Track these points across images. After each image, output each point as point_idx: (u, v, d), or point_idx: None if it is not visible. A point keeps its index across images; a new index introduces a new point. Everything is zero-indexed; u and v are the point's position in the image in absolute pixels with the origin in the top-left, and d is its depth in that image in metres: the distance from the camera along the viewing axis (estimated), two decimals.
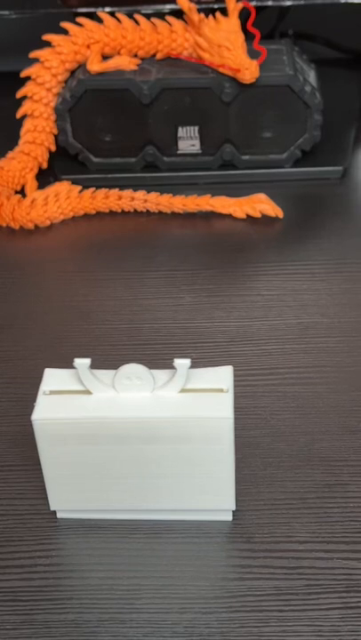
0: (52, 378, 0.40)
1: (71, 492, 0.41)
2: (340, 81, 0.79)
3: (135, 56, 0.69)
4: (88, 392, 0.39)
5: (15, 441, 0.47)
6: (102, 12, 0.69)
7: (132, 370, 0.38)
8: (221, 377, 0.39)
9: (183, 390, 0.38)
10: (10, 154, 0.69)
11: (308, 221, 0.65)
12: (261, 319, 0.55)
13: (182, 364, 0.38)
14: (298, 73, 0.66)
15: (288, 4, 0.75)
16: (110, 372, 0.39)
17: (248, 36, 0.65)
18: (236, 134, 0.68)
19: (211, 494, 0.40)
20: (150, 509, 0.41)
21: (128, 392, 0.38)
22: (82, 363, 0.38)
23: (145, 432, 0.38)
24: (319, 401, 0.49)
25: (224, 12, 0.66)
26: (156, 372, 0.39)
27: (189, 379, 0.39)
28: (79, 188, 0.67)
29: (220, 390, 0.38)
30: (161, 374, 0.39)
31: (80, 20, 0.68)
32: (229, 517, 0.42)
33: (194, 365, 0.39)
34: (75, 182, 0.67)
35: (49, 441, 0.39)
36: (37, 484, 0.43)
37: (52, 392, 0.39)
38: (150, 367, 0.39)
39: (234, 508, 0.41)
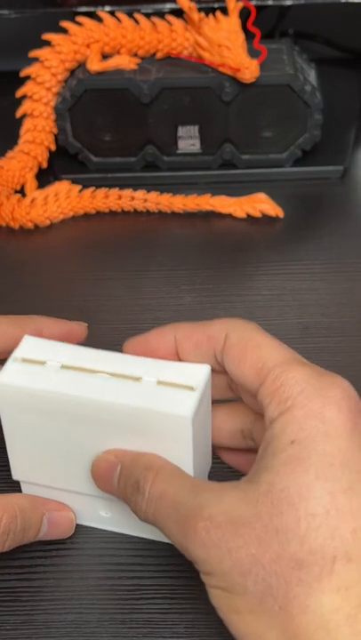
0: (29, 345, 0.39)
1: (32, 465, 0.40)
2: (341, 80, 0.79)
3: (135, 55, 0.69)
4: (59, 366, 0.38)
5: None
6: (102, 12, 0.69)
7: (106, 353, 0.37)
8: (195, 374, 0.37)
9: (149, 380, 0.37)
10: (9, 153, 0.69)
11: (308, 221, 0.65)
12: (261, 319, 0.55)
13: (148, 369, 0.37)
14: (298, 72, 0.66)
15: (288, 3, 0.75)
16: (81, 349, 0.38)
17: (248, 36, 0.65)
18: (236, 134, 0.68)
19: None
20: (105, 498, 0.40)
21: (93, 372, 0.37)
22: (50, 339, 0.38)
23: (97, 416, 0.37)
24: None
25: (224, 11, 0.66)
26: (130, 358, 0.38)
27: (161, 370, 0.37)
28: (79, 187, 0.67)
29: (190, 388, 0.36)
30: (135, 361, 0.38)
31: (80, 19, 0.68)
32: None
33: None
34: (74, 182, 0.67)
35: (9, 408, 0.38)
36: None
37: (23, 360, 0.38)
38: None
39: None
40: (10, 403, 0.38)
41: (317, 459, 0.31)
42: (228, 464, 0.41)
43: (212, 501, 0.32)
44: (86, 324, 0.44)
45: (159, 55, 0.68)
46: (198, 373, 0.37)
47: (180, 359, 0.38)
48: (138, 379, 0.37)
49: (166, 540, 0.40)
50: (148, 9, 0.72)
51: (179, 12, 0.67)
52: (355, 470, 0.31)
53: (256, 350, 0.35)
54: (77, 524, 0.42)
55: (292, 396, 0.32)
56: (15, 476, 0.41)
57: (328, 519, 0.30)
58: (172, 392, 0.36)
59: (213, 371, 0.37)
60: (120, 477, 0.36)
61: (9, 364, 0.38)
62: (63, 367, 0.38)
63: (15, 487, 0.42)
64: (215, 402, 0.39)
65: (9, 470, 0.41)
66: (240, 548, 0.31)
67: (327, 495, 0.30)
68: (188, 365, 0.38)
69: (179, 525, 0.33)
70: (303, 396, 0.32)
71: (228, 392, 0.39)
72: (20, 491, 0.42)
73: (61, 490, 0.41)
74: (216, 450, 0.41)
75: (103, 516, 0.41)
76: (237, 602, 0.31)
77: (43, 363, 0.38)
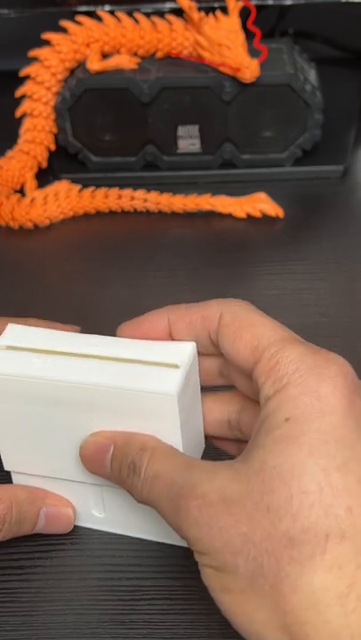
0: (13, 333, 0.39)
1: (23, 454, 0.40)
2: (341, 80, 0.79)
3: (135, 55, 0.69)
4: (43, 351, 0.38)
5: None
6: (102, 11, 0.69)
7: (89, 337, 0.37)
8: (180, 352, 0.37)
9: (133, 361, 0.36)
10: (9, 153, 0.69)
11: (308, 221, 0.65)
12: None
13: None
14: (298, 72, 0.66)
15: (288, 2, 0.75)
16: (65, 335, 0.38)
17: (248, 35, 0.65)
18: (236, 133, 0.68)
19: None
20: (94, 484, 0.40)
21: (77, 357, 0.37)
22: (33, 326, 0.38)
23: (83, 399, 0.36)
24: None
25: (224, 10, 0.66)
26: (114, 340, 0.38)
27: (145, 350, 0.37)
28: (79, 187, 0.67)
29: (174, 366, 0.36)
30: (119, 343, 0.38)
31: (79, 18, 0.68)
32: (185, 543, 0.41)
33: None
34: (74, 181, 0.67)
35: None
36: None
37: (8, 347, 0.38)
38: None
39: None
40: None
41: (311, 436, 0.30)
42: (221, 449, 0.41)
43: (204, 480, 0.32)
44: (79, 328, 0.44)
45: (159, 55, 0.68)
46: (183, 351, 0.37)
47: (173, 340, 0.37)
48: (122, 360, 0.37)
49: (161, 540, 0.40)
50: (148, 8, 0.72)
51: (179, 12, 0.67)
52: (349, 447, 0.31)
53: (251, 329, 0.34)
54: (75, 526, 0.42)
55: (288, 373, 0.32)
56: (7, 466, 0.41)
57: (322, 496, 0.29)
58: (157, 371, 0.36)
59: (207, 353, 0.37)
60: (113, 459, 0.36)
61: None
62: (47, 353, 0.37)
63: (6, 479, 0.42)
64: (204, 389, 0.38)
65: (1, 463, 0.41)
66: (231, 526, 0.30)
67: (321, 472, 0.30)
68: (172, 344, 0.37)
69: (172, 504, 0.32)
70: (298, 374, 0.32)
71: (219, 378, 0.38)
72: (10, 482, 0.42)
73: (53, 479, 0.41)
74: (206, 436, 0.40)
75: (97, 516, 0.41)
76: (229, 581, 0.31)
77: (27, 349, 0.38)
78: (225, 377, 0.38)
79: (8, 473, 0.42)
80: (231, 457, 0.38)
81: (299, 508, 0.29)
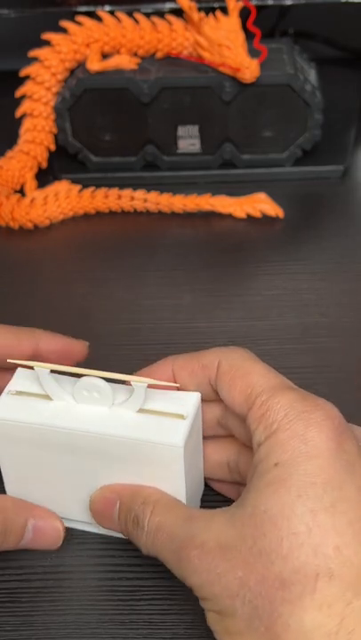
0: (22, 378, 0.39)
1: (28, 493, 0.41)
2: (341, 80, 0.79)
3: (135, 55, 0.68)
4: (51, 398, 0.38)
5: None
6: (102, 11, 0.69)
7: (92, 382, 0.37)
8: (185, 402, 0.38)
9: (141, 410, 0.37)
10: (9, 153, 0.69)
11: (308, 221, 0.65)
12: (261, 319, 0.55)
13: (139, 385, 0.37)
14: (298, 72, 0.66)
15: (288, 2, 0.75)
16: (74, 380, 0.38)
17: (248, 35, 0.65)
18: (236, 133, 0.68)
19: None
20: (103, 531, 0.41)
21: (86, 404, 0.38)
22: (41, 368, 0.38)
23: (91, 447, 0.38)
24: None
25: (224, 10, 0.66)
26: (117, 387, 0.38)
27: (152, 399, 0.38)
28: (79, 187, 0.66)
29: (180, 416, 0.37)
30: (122, 390, 0.38)
31: (79, 18, 0.68)
32: None
33: None
34: (74, 181, 0.67)
35: (3, 440, 0.39)
36: None
37: (17, 392, 0.39)
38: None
39: None
40: (4, 436, 0.39)
41: (299, 478, 0.32)
42: (219, 492, 0.42)
43: (202, 529, 0.33)
44: (87, 344, 0.44)
45: (159, 55, 0.68)
46: (188, 401, 0.38)
47: (178, 388, 0.39)
48: (127, 409, 0.38)
49: None
50: (148, 8, 0.72)
51: (179, 12, 0.67)
52: (337, 488, 0.32)
53: (246, 377, 0.36)
54: (75, 527, 0.42)
55: (277, 420, 0.33)
56: None
57: (310, 537, 0.31)
58: (164, 421, 0.37)
59: (209, 400, 0.38)
60: (120, 513, 0.37)
61: (3, 398, 0.39)
62: (55, 399, 0.38)
63: None
64: (205, 437, 0.40)
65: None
66: (228, 571, 0.31)
67: (309, 513, 0.31)
68: (178, 394, 0.38)
69: (174, 555, 0.34)
70: (287, 420, 0.33)
71: (218, 429, 0.40)
72: None
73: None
74: (206, 479, 0.42)
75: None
76: (229, 624, 0.32)
77: (36, 395, 0.39)
78: (223, 426, 0.39)
79: None
80: (231, 501, 0.38)
81: (289, 549, 0.31)
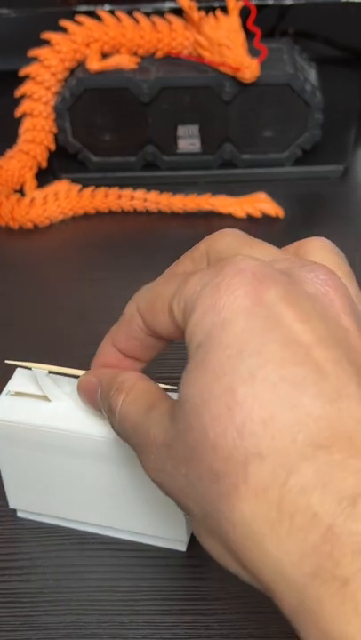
0: (21, 378, 0.39)
1: (28, 493, 0.41)
2: (341, 80, 0.79)
3: (135, 54, 0.68)
4: (51, 399, 0.38)
5: None
6: (102, 11, 0.69)
7: None
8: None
9: None
10: (9, 153, 0.69)
11: (308, 220, 0.65)
12: None
13: None
14: (298, 72, 0.66)
15: (288, 2, 0.75)
16: (72, 382, 0.38)
17: (248, 35, 0.65)
18: (236, 133, 0.68)
19: (162, 522, 0.39)
20: (101, 526, 0.41)
21: (84, 405, 0.38)
22: (40, 370, 0.37)
23: (90, 448, 0.38)
24: None
25: (224, 10, 0.66)
26: None
27: None
28: (79, 186, 0.66)
29: None
30: None
31: (79, 18, 0.68)
32: (182, 547, 0.40)
33: None
34: (74, 181, 0.67)
35: (3, 441, 0.39)
36: None
37: (16, 393, 0.39)
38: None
39: (186, 540, 0.40)
40: (3, 437, 0.39)
41: (215, 355, 0.28)
42: None
43: (156, 422, 0.30)
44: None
45: (159, 54, 0.68)
46: None
47: (132, 357, 0.36)
48: None
49: (165, 545, 0.40)
50: (148, 8, 0.72)
51: (179, 11, 0.67)
52: (255, 353, 0.27)
53: (159, 298, 0.33)
54: (74, 527, 0.42)
55: (190, 300, 0.30)
56: (11, 504, 0.42)
57: (232, 418, 0.26)
58: None
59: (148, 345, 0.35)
60: (101, 398, 0.35)
61: (2, 398, 0.39)
62: (54, 400, 0.38)
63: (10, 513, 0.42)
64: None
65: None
66: (175, 469, 0.29)
67: (227, 392, 0.27)
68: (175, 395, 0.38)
69: (138, 448, 0.31)
70: (196, 296, 0.29)
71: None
72: (15, 517, 0.42)
73: (55, 517, 0.42)
74: None
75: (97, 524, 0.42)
76: (196, 526, 0.29)
77: (35, 396, 0.39)
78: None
79: (14, 510, 0.43)
80: None
81: (214, 437, 0.27)
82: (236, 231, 0.34)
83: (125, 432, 0.33)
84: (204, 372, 0.28)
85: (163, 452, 0.29)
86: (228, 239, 0.34)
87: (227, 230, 0.34)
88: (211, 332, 0.28)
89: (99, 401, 0.36)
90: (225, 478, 0.27)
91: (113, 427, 0.34)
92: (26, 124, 0.69)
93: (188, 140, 0.68)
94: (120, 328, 0.36)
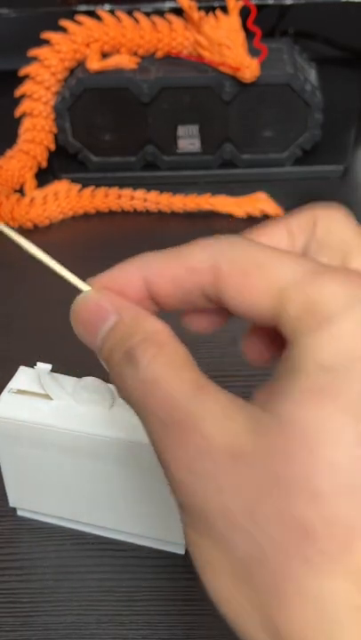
0: (24, 376, 0.39)
1: (28, 492, 0.41)
2: (341, 80, 0.79)
3: (135, 54, 0.68)
4: (53, 397, 0.38)
5: None
6: (102, 11, 0.69)
7: (91, 383, 0.37)
8: None
9: None
10: (9, 152, 0.69)
11: None
12: None
13: None
14: (298, 72, 0.66)
15: (288, 2, 0.75)
16: (73, 380, 0.38)
17: (248, 35, 0.65)
18: (236, 133, 0.68)
19: (161, 525, 0.39)
20: (100, 526, 0.41)
21: (85, 405, 0.38)
22: (42, 368, 0.37)
23: (91, 447, 0.37)
24: None
25: (224, 9, 0.66)
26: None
27: None
28: (79, 186, 0.66)
29: None
30: None
31: (79, 18, 0.68)
32: (181, 551, 0.40)
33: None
34: (74, 181, 0.67)
35: (3, 439, 0.39)
36: None
37: (18, 391, 0.39)
38: None
39: (184, 543, 0.39)
40: (4, 434, 0.39)
41: (355, 390, 0.22)
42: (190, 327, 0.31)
43: (213, 414, 0.24)
44: None
45: (159, 54, 0.68)
46: None
47: (156, 303, 0.29)
48: (127, 410, 0.37)
49: (163, 548, 0.40)
50: (148, 8, 0.72)
51: (179, 11, 0.67)
52: None
53: (263, 272, 0.25)
54: (74, 528, 0.42)
55: (331, 309, 0.24)
56: (11, 502, 0.42)
57: (357, 477, 0.22)
58: None
59: (200, 311, 0.30)
60: (111, 334, 0.27)
61: (4, 396, 0.39)
62: (55, 399, 0.38)
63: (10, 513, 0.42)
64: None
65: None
66: (232, 488, 0.23)
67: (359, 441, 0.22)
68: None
69: (166, 430, 0.24)
70: (346, 308, 0.24)
71: (204, 302, 0.28)
72: (15, 516, 0.42)
73: (54, 517, 0.42)
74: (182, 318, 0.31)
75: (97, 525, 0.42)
76: (217, 558, 0.23)
77: (37, 394, 0.39)
78: (212, 300, 0.28)
79: (14, 510, 0.43)
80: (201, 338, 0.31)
81: (326, 487, 0.22)
82: (345, 213, 0.30)
83: (152, 400, 0.25)
84: (336, 406, 0.22)
85: (219, 459, 0.23)
86: (342, 225, 0.30)
87: (336, 211, 0.30)
88: (354, 360, 0.23)
89: (100, 334, 0.28)
90: (320, 542, 0.22)
91: (124, 381, 0.26)
92: (26, 123, 0.69)
93: (188, 139, 0.68)
94: (169, 266, 0.28)
